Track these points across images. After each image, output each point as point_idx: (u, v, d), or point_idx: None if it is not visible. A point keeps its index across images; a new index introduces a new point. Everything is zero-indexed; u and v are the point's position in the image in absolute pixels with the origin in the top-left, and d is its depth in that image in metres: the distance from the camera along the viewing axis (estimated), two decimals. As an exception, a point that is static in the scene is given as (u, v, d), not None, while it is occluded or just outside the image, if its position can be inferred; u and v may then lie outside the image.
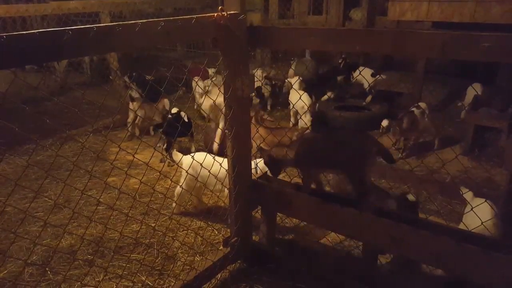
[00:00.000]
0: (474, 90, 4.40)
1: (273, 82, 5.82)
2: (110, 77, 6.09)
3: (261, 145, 3.17)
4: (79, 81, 7.72)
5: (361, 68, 5.38)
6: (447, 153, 4.03)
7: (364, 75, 5.20)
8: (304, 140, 2.27)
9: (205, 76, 5.97)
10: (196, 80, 5.31)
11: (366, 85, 5.24)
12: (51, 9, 5.32)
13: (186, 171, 2.45)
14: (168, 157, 3.53)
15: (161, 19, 1.61)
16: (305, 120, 4.69)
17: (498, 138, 4.11)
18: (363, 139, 2.08)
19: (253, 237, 2.63)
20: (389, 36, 1.71)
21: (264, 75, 5.88)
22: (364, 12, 6.91)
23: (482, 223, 1.81)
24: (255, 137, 3.68)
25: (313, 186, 2.30)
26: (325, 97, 5.48)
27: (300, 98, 4.08)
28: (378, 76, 5.22)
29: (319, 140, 2.20)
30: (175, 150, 3.17)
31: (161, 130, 4.09)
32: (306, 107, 4.50)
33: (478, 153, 4.06)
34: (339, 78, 5.68)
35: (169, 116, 4.20)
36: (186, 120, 4.12)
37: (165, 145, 4.01)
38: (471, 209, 1.92)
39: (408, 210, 2.29)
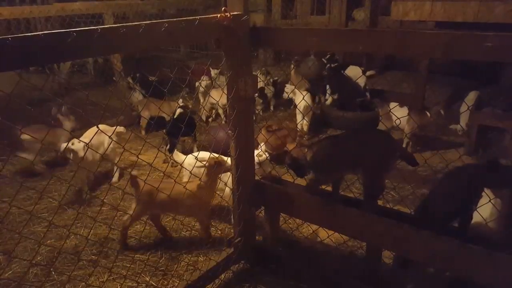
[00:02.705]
0: (471, 97, 4.38)
1: (276, 79, 5.82)
2: (114, 78, 6.12)
3: (264, 145, 3.16)
4: (83, 82, 7.76)
5: (361, 68, 5.37)
6: (451, 154, 4.02)
7: (356, 74, 5.21)
8: (328, 142, 2.24)
9: (208, 76, 5.97)
10: (200, 80, 5.32)
11: (362, 84, 5.24)
12: (55, 10, 5.35)
13: (190, 172, 2.44)
14: (171, 157, 3.55)
15: (165, 20, 1.62)
16: (306, 120, 4.69)
17: (502, 138, 4.09)
18: (389, 141, 2.07)
19: (257, 237, 2.63)
20: (392, 36, 1.70)
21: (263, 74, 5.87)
22: (367, 12, 6.88)
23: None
24: (258, 138, 3.69)
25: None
26: (330, 99, 5.46)
27: (303, 98, 4.05)
28: (370, 72, 5.22)
29: (344, 141, 2.18)
30: (176, 151, 3.18)
31: (164, 130, 4.11)
32: (309, 107, 4.48)
33: (482, 153, 4.04)
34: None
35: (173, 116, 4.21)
36: (189, 119, 4.12)
37: (168, 146, 4.02)
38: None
39: None
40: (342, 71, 5.36)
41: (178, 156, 3.11)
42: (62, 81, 7.02)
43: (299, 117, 4.80)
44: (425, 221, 1.90)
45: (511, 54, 1.46)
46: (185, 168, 2.90)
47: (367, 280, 2.19)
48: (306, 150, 2.13)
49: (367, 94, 5.24)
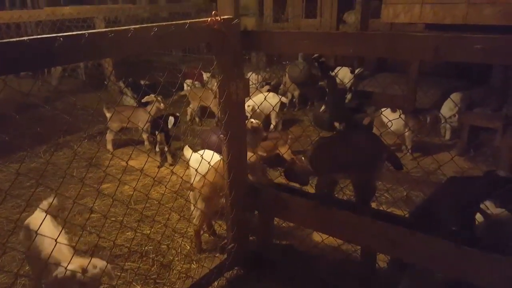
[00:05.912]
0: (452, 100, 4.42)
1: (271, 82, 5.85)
2: (105, 82, 6.06)
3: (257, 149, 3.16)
4: (74, 86, 7.67)
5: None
6: (443, 155, 4.04)
7: (345, 74, 5.24)
8: (319, 144, 2.24)
9: (200, 80, 5.95)
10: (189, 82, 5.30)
11: (348, 85, 5.28)
12: (45, 15, 5.30)
13: (196, 170, 2.30)
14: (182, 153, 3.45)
15: (154, 24, 1.60)
16: (273, 119, 4.81)
17: (493, 138, 4.13)
18: (375, 142, 2.07)
19: (250, 242, 2.60)
20: (383, 39, 1.71)
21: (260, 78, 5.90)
22: (358, 15, 6.92)
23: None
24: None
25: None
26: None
27: (265, 99, 3.86)
28: (358, 70, 5.25)
29: (333, 143, 2.20)
30: (187, 145, 3.18)
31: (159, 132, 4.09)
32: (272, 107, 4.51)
33: (473, 154, 4.07)
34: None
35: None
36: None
37: (165, 145, 4.05)
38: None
39: None
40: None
41: (188, 150, 3.11)
42: (52, 85, 6.94)
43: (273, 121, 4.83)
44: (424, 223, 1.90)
45: (499, 56, 1.47)
46: (191, 166, 2.87)
47: (363, 284, 2.17)
48: (302, 156, 2.15)
49: (350, 93, 5.25)
